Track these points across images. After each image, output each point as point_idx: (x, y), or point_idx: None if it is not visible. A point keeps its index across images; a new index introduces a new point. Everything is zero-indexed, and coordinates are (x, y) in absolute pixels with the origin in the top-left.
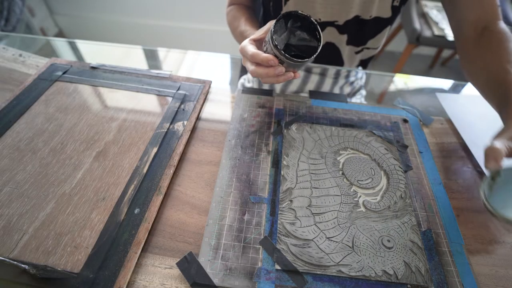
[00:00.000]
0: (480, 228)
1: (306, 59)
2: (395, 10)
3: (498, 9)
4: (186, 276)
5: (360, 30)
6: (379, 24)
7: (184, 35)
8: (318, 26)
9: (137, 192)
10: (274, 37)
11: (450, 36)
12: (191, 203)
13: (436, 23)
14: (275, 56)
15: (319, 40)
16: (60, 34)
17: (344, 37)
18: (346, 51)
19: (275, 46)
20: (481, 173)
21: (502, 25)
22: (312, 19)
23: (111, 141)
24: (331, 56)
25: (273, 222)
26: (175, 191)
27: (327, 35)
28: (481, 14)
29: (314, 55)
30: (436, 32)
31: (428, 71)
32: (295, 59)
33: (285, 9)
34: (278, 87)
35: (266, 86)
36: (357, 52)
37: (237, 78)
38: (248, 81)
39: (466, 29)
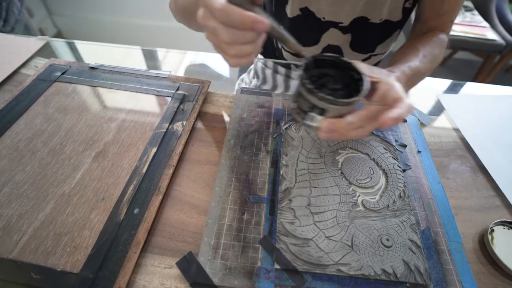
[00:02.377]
0: (479, 226)
1: (352, 99)
2: (406, 13)
3: (450, 24)
4: (186, 276)
5: (367, 34)
6: (388, 28)
7: (183, 35)
8: (356, 65)
9: (137, 192)
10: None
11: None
12: (190, 203)
13: None
14: (308, 109)
15: (359, 85)
16: (58, 35)
17: (348, 37)
18: (350, 56)
19: (304, 85)
20: (481, 172)
21: (443, 35)
22: (343, 59)
23: (110, 141)
24: None
25: (272, 222)
26: (175, 191)
27: (330, 37)
28: (434, 27)
29: (361, 95)
30: None
31: None
32: (336, 99)
33: (290, 5)
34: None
35: (266, 86)
36: (363, 60)
37: (236, 78)
38: (245, 83)
39: (420, 29)
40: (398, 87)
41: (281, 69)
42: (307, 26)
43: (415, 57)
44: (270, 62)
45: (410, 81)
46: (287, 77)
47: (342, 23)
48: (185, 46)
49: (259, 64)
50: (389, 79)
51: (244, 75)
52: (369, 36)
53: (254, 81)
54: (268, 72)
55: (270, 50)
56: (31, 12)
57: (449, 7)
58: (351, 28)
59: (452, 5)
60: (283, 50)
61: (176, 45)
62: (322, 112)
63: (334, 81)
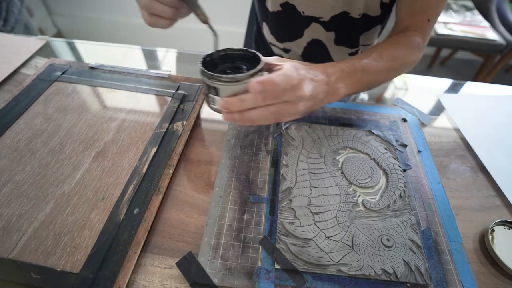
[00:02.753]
0: (479, 226)
1: (236, 75)
2: (385, 8)
3: (426, 24)
4: (186, 276)
5: (349, 29)
6: (368, 22)
7: (183, 35)
8: (259, 55)
9: (137, 192)
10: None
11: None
12: (190, 203)
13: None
14: (208, 88)
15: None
16: (58, 35)
17: (331, 35)
18: (336, 50)
19: (202, 72)
20: (481, 172)
21: (415, 37)
22: (250, 51)
23: (110, 141)
24: (319, 55)
25: (273, 222)
26: (175, 191)
27: (313, 32)
28: (409, 26)
29: (255, 70)
30: (439, 31)
31: (427, 71)
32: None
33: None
34: None
35: None
36: (351, 54)
37: None
38: None
39: (396, 28)
40: (291, 65)
41: None
42: (289, 21)
43: (365, 56)
44: None
45: (354, 77)
46: None
47: (322, 18)
48: (185, 45)
49: None
50: (291, 62)
51: None
52: (351, 31)
53: None
54: None
55: (262, 48)
56: (31, 11)
57: (423, 5)
58: (333, 24)
59: (427, 3)
60: (272, 47)
61: (176, 44)
62: (216, 92)
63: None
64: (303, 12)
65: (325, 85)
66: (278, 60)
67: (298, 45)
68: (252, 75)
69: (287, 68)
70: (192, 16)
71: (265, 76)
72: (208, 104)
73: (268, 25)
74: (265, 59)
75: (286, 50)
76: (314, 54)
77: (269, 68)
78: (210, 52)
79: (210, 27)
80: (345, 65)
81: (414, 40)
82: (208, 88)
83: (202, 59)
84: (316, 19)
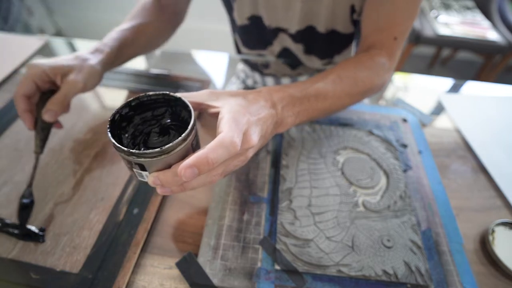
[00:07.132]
0: (480, 227)
1: (165, 147)
2: (358, 25)
3: (392, 43)
4: (186, 276)
5: (318, 44)
6: (341, 39)
7: (183, 34)
8: (185, 99)
9: (136, 192)
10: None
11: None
12: (190, 203)
13: (436, 18)
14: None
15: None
16: (58, 34)
17: (300, 46)
18: (307, 60)
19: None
20: (482, 173)
21: (379, 57)
22: (172, 95)
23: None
24: (292, 62)
25: (273, 222)
26: None
27: (282, 41)
28: (374, 44)
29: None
30: (440, 31)
31: (428, 71)
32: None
33: (236, 12)
34: None
35: (249, 82)
36: (325, 64)
37: (237, 77)
38: (235, 80)
39: (361, 46)
40: (230, 117)
41: (247, 66)
42: (257, 32)
43: (321, 79)
44: (240, 61)
45: (305, 104)
46: (256, 70)
47: (288, 29)
48: (186, 45)
49: (239, 67)
50: (229, 105)
51: (233, 79)
52: (321, 46)
53: (238, 83)
54: (240, 67)
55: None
56: (31, 11)
57: (389, 21)
58: (300, 37)
59: (391, 19)
60: (246, 53)
61: (177, 44)
62: (142, 167)
63: (172, 121)
64: (269, 26)
65: (271, 117)
66: (211, 97)
67: (271, 52)
68: (185, 139)
69: (226, 127)
70: (192, 16)
71: (197, 154)
72: (136, 177)
73: (239, 36)
74: (195, 98)
75: (261, 54)
76: (287, 60)
77: (202, 109)
78: (119, 106)
79: (37, 157)
80: (295, 89)
81: (378, 61)
82: (129, 163)
83: (110, 121)
84: (283, 30)
